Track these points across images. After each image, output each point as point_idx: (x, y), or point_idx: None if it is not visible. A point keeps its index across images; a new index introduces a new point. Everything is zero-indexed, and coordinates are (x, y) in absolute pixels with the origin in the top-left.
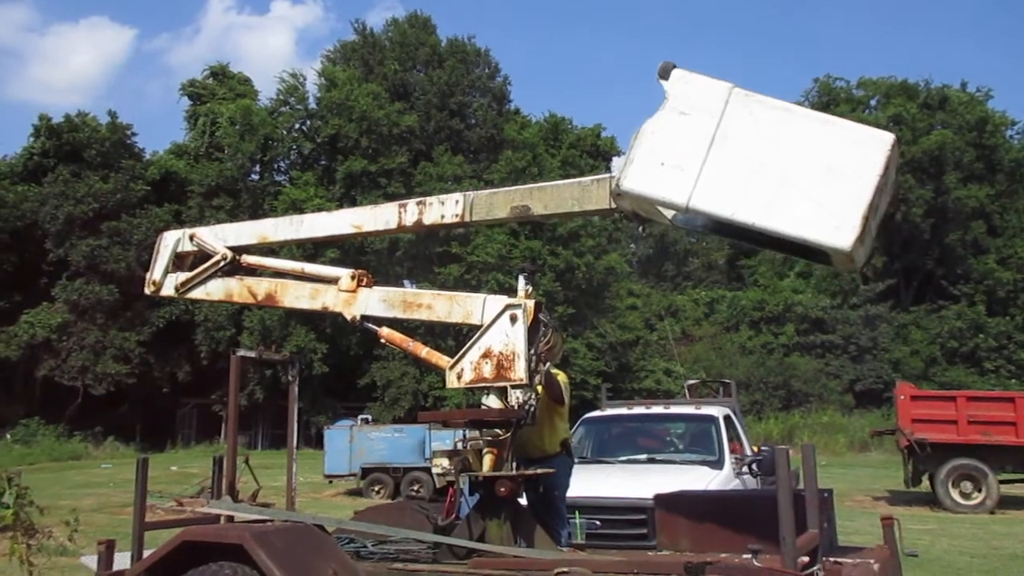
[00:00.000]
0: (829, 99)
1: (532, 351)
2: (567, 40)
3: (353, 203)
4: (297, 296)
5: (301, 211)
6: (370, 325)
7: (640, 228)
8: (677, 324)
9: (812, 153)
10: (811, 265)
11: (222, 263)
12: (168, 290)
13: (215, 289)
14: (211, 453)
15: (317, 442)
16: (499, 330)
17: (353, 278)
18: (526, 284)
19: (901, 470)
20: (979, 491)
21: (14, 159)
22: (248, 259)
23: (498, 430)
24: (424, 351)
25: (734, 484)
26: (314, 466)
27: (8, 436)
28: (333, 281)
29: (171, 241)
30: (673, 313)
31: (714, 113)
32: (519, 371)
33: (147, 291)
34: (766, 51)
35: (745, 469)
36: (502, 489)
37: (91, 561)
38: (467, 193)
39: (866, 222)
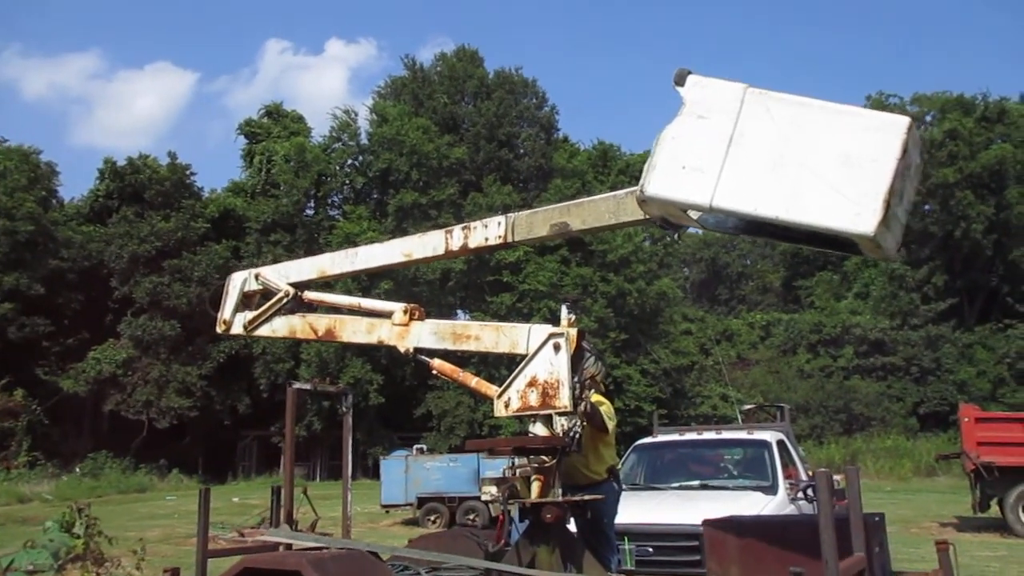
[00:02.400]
0: None
1: (576, 379)
2: (614, 68)
3: (405, 235)
4: (354, 331)
5: (355, 244)
6: (423, 357)
7: (675, 236)
8: (732, 348)
9: (829, 143)
10: (869, 286)
11: (285, 300)
12: (237, 328)
13: (279, 326)
14: (271, 484)
15: (374, 472)
16: (543, 359)
17: (405, 312)
18: (569, 313)
19: (969, 495)
20: None
21: (81, 202)
22: (309, 295)
23: (544, 457)
24: (473, 381)
25: (789, 509)
26: (371, 496)
27: (77, 469)
28: (387, 315)
29: (238, 281)
30: (728, 337)
31: (731, 114)
32: (563, 399)
33: (219, 330)
34: (818, 70)
35: (800, 495)
36: (548, 516)
37: None
38: (508, 215)
39: (888, 207)
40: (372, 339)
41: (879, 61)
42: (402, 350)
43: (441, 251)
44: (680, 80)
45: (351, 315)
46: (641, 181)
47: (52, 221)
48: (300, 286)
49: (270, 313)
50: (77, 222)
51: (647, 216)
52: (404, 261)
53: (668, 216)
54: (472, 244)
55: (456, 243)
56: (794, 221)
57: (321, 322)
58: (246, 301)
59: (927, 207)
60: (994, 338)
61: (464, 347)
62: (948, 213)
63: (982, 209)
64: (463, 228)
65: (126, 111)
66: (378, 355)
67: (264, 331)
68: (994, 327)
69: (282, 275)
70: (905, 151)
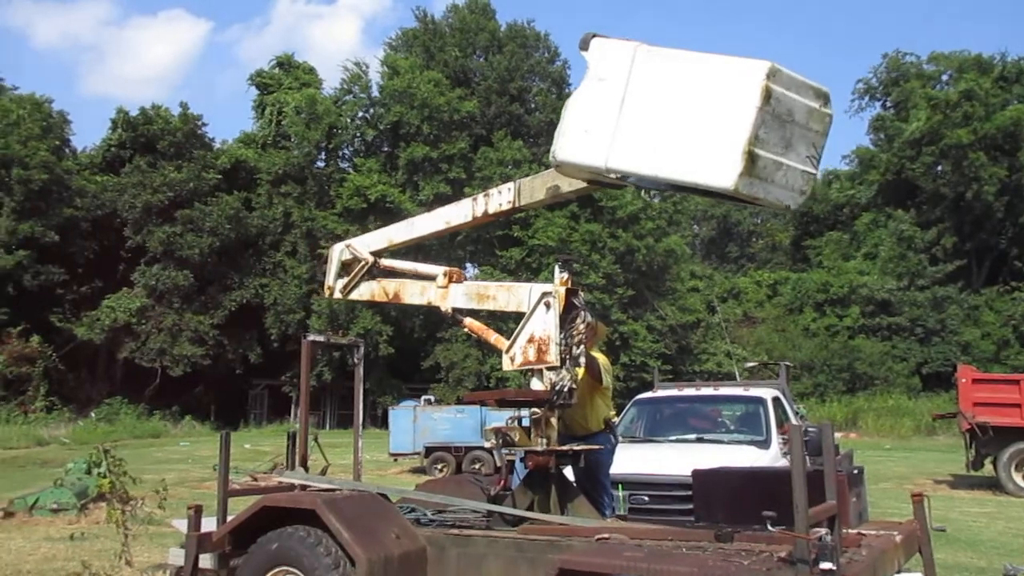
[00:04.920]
0: (899, 75)
1: (562, 335)
2: (627, 22)
3: (415, 188)
4: (411, 293)
5: (365, 197)
6: (458, 316)
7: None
8: (739, 306)
9: (698, 96)
10: (878, 246)
11: (365, 267)
12: (338, 294)
13: (364, 290)
14: (281, 432)
15: (383, 422)
16: (538, 317)
17: (446, 275)
18: (561, 272)
19: (964, 454)
20: None
21: (94, 151)
22: (383, 262)
23: (536, 410)
24: (493, 337)
25: (781, 463)
26: (379, 445)
27: (93, 415)
28: (433, 278)
29: (336, 252)
30: (735, 295)
31: (623, 74)
32: (552, 355)
33: (325, 295)
34: (834, 29)
35: None
36: (529, 463)
37: (181, 524)
38: (517, 180)
39: (750, 158)
40: (423, 300)
41: (897, 19)
42: (443, 310)
43: (470, 217)
44: (584, 45)
45: (411, 279)
46: (552, 147)
47: (65, 170)
48: (378, 254)
49: (356, 279)
50: (90, 171)
51: (566, 177)
52: (445, 228)
53: (590, 177)
54: (491, 210)
55: (479, 209)
56: (667, 179)
57: (391, 286)
58: (346, 268)
59: (939, 168)
60: (1000, 300)
61: (486, 306)
62: (960, 175)
63: (995, 171)
64: (485, 195)
65: (138, 60)
66: (387, 307)
67: (354, 295)
68: (1001, 289)
69: (365, 245)
70: (768, 97)
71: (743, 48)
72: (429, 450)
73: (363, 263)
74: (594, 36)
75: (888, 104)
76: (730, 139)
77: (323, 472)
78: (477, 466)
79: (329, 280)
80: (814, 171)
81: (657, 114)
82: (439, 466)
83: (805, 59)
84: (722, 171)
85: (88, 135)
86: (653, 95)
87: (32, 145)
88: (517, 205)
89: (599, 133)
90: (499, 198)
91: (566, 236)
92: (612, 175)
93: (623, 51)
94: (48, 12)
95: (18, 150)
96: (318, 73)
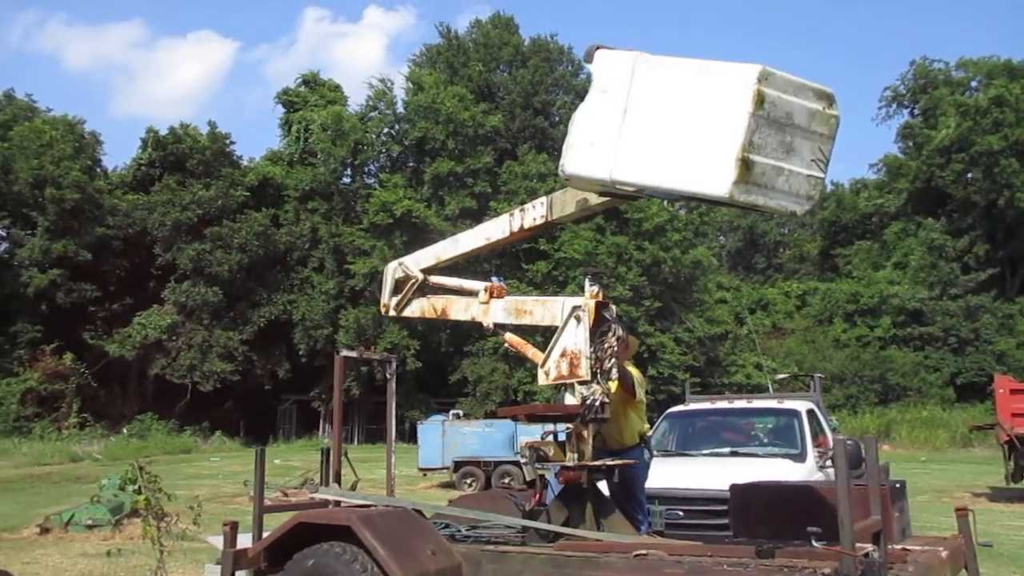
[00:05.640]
0: (926, 82)
1: (592, 349)
2: (650, 35)
3: (441, 203)
4: (457, 309)
5: (391, 212)
6: (499, 331)
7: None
8: (768, 318)
9: (693, 104)
10: (908, 255)
11: (415, 284)
12: (393, 311)
13: (416, 307)
14: (310, 447)
15: (411, 436)
16: (569, 330)
17: (487, 291)
18: (591, 285)
19: (1002, 466)
20: None
21: (124, 170)
22: (432, 279)
23: (569, 424)
24: (531, 352)
25: (817, 477)
26: (407, 460)
27: (125, 430)
28: (476, 294)
29: (390, 270)
30: (764, 306)
31: (624, 85)
32: (583, 369)
33: (382, 312)
34: (861, 35)
35: (828, 463)
36: (561, 478)
37: (216, 540)
38: (550, 195)
39: (744, 165)
40: (468, 316)
41: (925, 25)
42: (486, 325)
43: (507, 233)
44: (588, 57)
45: (457, 295)
46: (561, 161)
47: (97, 190)
48: (427, 271)
49: (408, 296)
50: (121, 190)
51: (582, 191)
52: (486, 244)
53: (600, 190)
54: (527, 224)
55: (516, 224)
56: (668, 188)
57: (439, 302)
58: (399, 286)
59: (969, 175)
60: None
61: (523, 321)
62: (992, 181)
63: None
64: (520, 210)
65: (168, 80)
66: (414, 322)
67: (407, 312)
68: None
69: (416, 263)
70: (760, 102)
71: (768, 57)
72: (458, 464)
73: (414, 280)
74: (598, 48)
75: (916, 111)
76: (723, 146)
77: (353, 487)
78: (507, 480)
79: (384, 298)
80: (822, 175)
81: (657, 123)
82: (468, 480)
83: (830, 67)
84: (716, 179)
85: (119, 155)
86: (653, 104)
87: (65, 165)
88: (550, 219)
89: (603, 145)
90: (533, 212)
91: (592, 249)
92: (618, 187)
93: (624, 61)
94: (80, 35)
95: (51, 170)
96: (343, 90)
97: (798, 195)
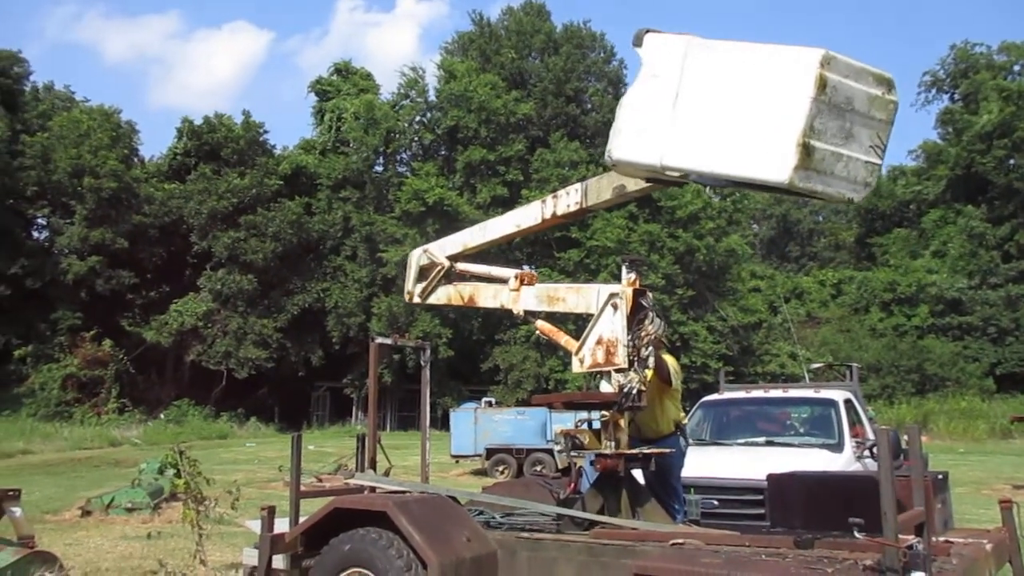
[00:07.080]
0: (967, 66)
1: (630, 337)
2: (683, 20)
3: (473, 191)
4: (485, 296)
5: (423, 200)
6: (530, 318)
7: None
8: (802, 306)
9: (750, 88)
10: (947, 243)
11: (441, 271)
12: (417, 298)
13: (442, 294)
14: (343, 434)
15: (443, 424)
16: (606, 318)
17: (517, 278)
18: (628, 272)
19: None
20: None
21: (160, 160)
22: (459, 266)
23: (605, 412)
24: (564, 339)
25: (855, 467)
26: (440, 447)
27: (162, 416)
28: (505, 281)
29: (415, 257)
30: (798, 295)
31: (676, 69)
32: (620, 356)
33: (406, 299)
34: (903, 18)
35: (867, 453)
36: (597, 466)
37: (255, 525)
38: (584, 181)
39: (805, 151)
40: (497, 304)
41: (965, 8)
42: (516, 312)
43: (539, 220)
44: (638, 41)
45: (485, 283)
46: (607, 147)
47: (134, 179)
48: (454, 258)
49: (434, 283)
50: (157, 179)
51: (622, 177)
52: (516, 231)
53: (647, 176)
54: (560, 211)
55: (548, 211)
56: (723, 174)
57: (466, 290)
58: (424, 273)
59: (1011, 161)
60: None
61: (556, 308)
62: None
63: None
64: (553, 197)
65: (203, 70)
66: (447, 310)
67: (432, 299)
68: None
69: (442, 250)
70: (823, 86)
71: (806, 39)
72: (490, 452)
73: (440, 267)
74: (648, 32)
75: (956, 96)
76: (784, 131)
77: (386, 473)
78: (539, 468)
79: (408, 285)
80: (879, 161)
81: (711, 108)
82: (500, 468)
83: (869, 50)
84: (776, 165)
85: (155, 144)
86: (706, 89)
87: (102, 155)
88: (585, 206)
89: (654, 130)
90: (567, 199)
91: (624, 237)
92: (669, 172)
93: (676, 45)
94: (117, 27)
95: (89, 160)
96: (375, 79)
97: (855, 182)
